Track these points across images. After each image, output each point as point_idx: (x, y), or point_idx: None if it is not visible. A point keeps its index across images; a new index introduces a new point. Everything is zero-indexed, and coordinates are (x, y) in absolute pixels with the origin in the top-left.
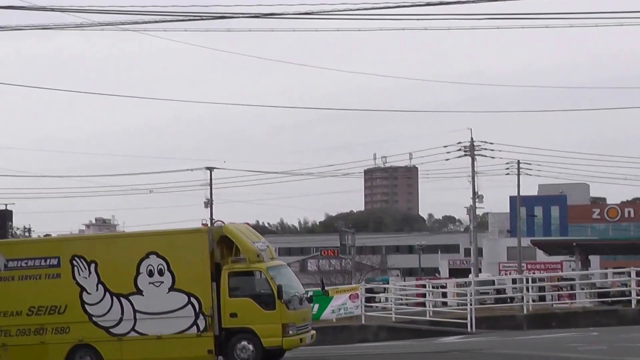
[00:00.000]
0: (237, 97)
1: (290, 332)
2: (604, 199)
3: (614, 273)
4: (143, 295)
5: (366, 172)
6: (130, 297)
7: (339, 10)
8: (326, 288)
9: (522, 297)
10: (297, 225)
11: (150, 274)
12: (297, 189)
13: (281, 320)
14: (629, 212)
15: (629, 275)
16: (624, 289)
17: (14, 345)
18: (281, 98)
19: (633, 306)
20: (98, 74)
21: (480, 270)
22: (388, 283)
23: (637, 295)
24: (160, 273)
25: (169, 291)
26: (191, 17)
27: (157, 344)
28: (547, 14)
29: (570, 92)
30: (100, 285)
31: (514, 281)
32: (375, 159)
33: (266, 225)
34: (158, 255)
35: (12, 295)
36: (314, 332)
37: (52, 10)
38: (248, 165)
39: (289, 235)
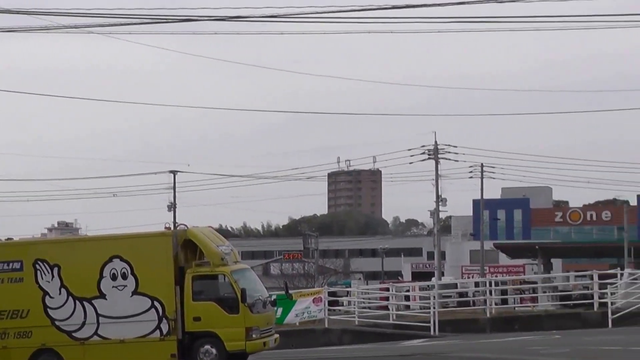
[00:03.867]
0: (201, 100)
1: (254, 335)
2: (567, 202)
3: (576, 276)
4: (106, 299)
5: (330, 175)
6: (93, 301)
7: (306, 14)
8: (290, 292)
9: (485, 301)
10: (260, 228)
11: (114, 277)
12: (261, 193)
13: (245, 323)
14: (591, 215)
15: (591, 279)
16: (586, 292)
17: None
18: (244, 101)
19: (595, 309)
20: (65, 77)
21: (443, 274)
22: (350, 286)
23: (599, 298)
24: (124, 277)
25: (132, 295)
26: (158, 20)
27: (120, 348)
28: (511, 17)
29: (533, 95)
30: (63, 289)
31: (476, 284)
32: (339, 162)
33: (229, 228)
34: (122, 259)
35: None
36: (277, 335)
37: (18, 13)
38: (212, 169)
39: (252, 238)
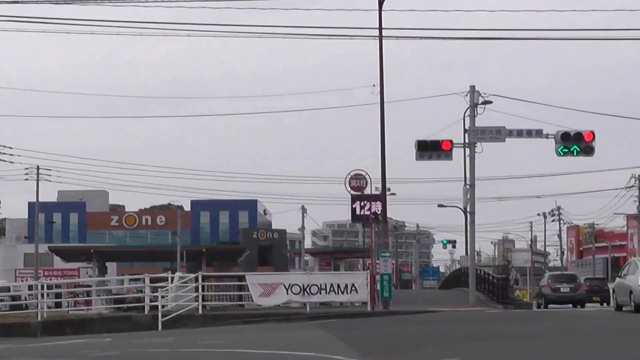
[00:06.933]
0: None
1: None
2: (123, 207)
3: (130, 280)
4: None
5: None
6: None
7: None
8: None
9: (38, 304)
10: None
11: None
12: None
13: None
14: (147, 219)
15: (144, 282)
16: (139, 295)
17: None
18: None
19: (146, 312)
20: None
21: None
22: None
23: (151, 301)
24: None
25: None
26: None
27: None
28: (89, 20)
29: (92, 98)
30: None
31: (30, 288)
32: None
33: None
34: None
35: None
36: None
37: None
38: None
39: None
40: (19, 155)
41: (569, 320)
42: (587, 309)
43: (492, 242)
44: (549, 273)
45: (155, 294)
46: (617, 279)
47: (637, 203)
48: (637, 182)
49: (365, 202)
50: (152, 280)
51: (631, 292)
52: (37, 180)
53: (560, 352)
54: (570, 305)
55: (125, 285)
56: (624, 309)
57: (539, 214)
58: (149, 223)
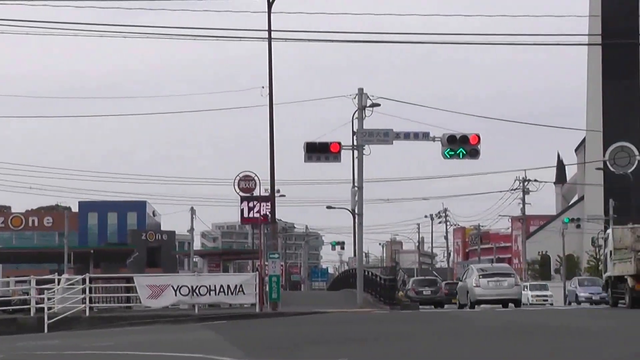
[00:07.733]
0: None
1: None
2: (9, 207)
3: (16, 282)
4: None
5: None
6: None
7: None
8: None
9: None
10: None
11: None
12: None
13: None
14: (34, 220)
15: (30, 284)
16: (25, 297)
17: None
18: None
19: (32, 314)
20: None
21: None
22: None
23: (37, 303)
24: None
25: None
26: None
27: None
28: None
29: None
30: None
31: None
32: None
33: None
34: None
35: None
36: None
37: None
38: None
39: None
40: None
41: (452, 320)
42: (446, 309)
43: (380, 244)
44: (413, 278)
45: (42, 295)
46: (459, 282)
47: (521, 205)
48: (521, 184)
49: (254, 203)
50: (38, 282)
51: (468, 292)
52: None
53: (442, 348)
54: (432, 306)
55: (10, 288)
56: (466, 308)
57: (426, 216)
58: (36, 224)
